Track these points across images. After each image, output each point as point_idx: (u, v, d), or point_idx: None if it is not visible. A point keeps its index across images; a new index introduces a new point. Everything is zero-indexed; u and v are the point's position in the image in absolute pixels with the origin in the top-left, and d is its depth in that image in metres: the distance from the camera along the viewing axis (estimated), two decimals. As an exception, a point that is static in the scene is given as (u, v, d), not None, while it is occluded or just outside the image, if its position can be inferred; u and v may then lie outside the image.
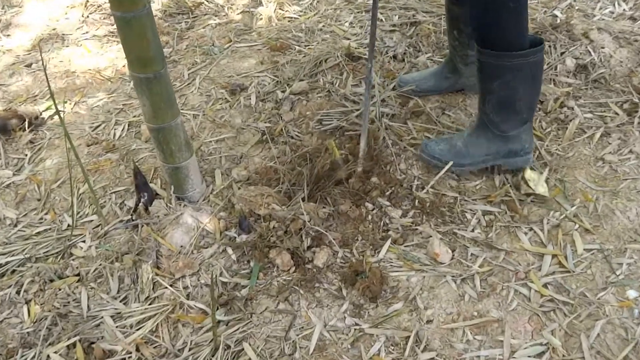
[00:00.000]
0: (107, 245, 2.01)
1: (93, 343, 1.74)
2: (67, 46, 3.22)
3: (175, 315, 1.79)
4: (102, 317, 1.80)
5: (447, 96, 2.51)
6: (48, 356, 1.71)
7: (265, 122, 2.51)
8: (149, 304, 1.82)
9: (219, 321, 1.76)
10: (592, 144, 2.25)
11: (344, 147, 2.27)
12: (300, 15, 3.28)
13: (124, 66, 3.02)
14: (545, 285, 1.79)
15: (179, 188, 2.10)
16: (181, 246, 1.96)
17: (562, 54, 2.64)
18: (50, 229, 2.13)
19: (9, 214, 2.21)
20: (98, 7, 3.54)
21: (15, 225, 2.17)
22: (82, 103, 2.79)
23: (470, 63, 2.36)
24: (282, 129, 2.45)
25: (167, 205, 2.07)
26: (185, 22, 3.36)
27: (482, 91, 1.97)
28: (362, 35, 3.02)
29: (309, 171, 2.13)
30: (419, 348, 1.66)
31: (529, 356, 1.63)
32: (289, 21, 3.26)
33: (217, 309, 1.79)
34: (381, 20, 3.09)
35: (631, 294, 1.75)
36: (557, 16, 2.91)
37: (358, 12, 3.23)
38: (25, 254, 2.02)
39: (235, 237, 1.98)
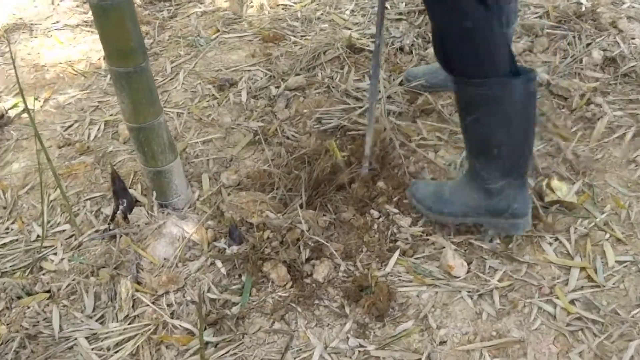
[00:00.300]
0: (82, 257, 2.01)
1: (66, 367, 1.74)
2: (36, 37, 3.23)
3: (158, 336, 1.78)
4: (75, 339, 1.80)
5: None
6: (15, 382, 1.71)
7: (257, 121, 2.52)
8: (129, 324, 1.82)
9: (207, 342, 1.76)
10: (623, 144, 2.26)
11: (346, 148, 2.28)
12: (295, 3, 3.30)
13: (99, 59, 3.03)
14: (572, 302, 1.80)
15: (162, 194, 2.11)
16: (164, 259, 1.97)
17: (588, 45, 2.66)
18: (17, 240, 2.13)
19: (-30, 223, 2.21)
20: (70, -7, 3.56)
21: (-22, 236, 2.17)
22: (52, 100, 2.79)
23: None
24: (276, 129, 2.46)
25: (148, 213, 2.08)
26: (167, 10, 3.38)
27: (461, 127, 1.89)
28: (365, 24, 3.04)
29: (307, 175, 2.14)
30: (431, 372, 1.67)
31: (554, 381, 1.63)
32: (283, 9, 3.27)
33: (205, 329, 1.78)
34: (387, 7, 3.11)
35: (668, 311, 1.76)
36: (581, 4, 2.93)
37: (361, -1, 3.26)
38: (-11, 268, 2.03)
39: (225, 249, 1.99)
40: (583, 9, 2.87)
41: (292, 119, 2.52)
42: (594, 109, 2.39)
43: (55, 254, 2.05)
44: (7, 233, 2.17)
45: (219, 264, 1.95)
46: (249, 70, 2.83)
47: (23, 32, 3.27)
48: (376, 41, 1.98)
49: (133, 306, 1.87)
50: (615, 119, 2.35)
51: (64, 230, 2.13)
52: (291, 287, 1.88)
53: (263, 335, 1.78)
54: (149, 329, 1.80)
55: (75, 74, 2.95)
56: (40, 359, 1.75)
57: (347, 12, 3.16)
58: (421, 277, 1.89)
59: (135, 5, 3.39)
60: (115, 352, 1.76)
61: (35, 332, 1.82)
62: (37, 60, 3.05)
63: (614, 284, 1.83)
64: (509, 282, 1.86)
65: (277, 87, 2.68)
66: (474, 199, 1.90)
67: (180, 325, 1.81)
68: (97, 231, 2.10)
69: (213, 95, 2.71)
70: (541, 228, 2.00)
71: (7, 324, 1.85)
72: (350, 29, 3.01)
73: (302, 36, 3.03)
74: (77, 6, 3.47)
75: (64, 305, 1.89)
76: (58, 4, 3.49)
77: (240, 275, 1.93)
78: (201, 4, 3.40)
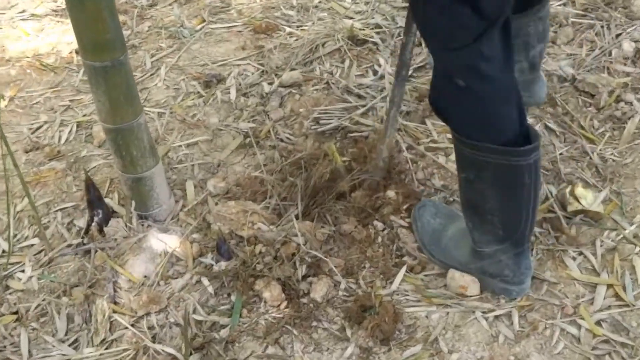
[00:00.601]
0: (52, 275, 2.04)
1: (35, 398, 1.76)
2: (0, 28, 3.25)
3: (138, 362, 1.81)
4: (46, 365, 1.82)
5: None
6: (-21, 414, 1.73)
7: (248, 122, 2.55)
8: (105, 349, 1.84)
9: (193, 369, 1.78)
10: (656, 147, 2.29)
11: (347, 152, 2.30)
12: (291, -11, 3.32)
13: (71, 52, 3.05)
14: (598, 323, 1.81)
15: (142, 204, 2.13)
16: (145, 276, 1.99)
17: (617, 36, 2.69)
18: (-20, 255, 2.15)
19: None
20: (38, -21, 3.58)
21: (-64, 252, 2.18)
22: (18, 98, 2.81)
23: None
24: (269, 130, 2.49)
25: (126, 226, 2.10)
26: (147, -3, 3.40)
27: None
28: (368, 13, 3.06)
29: (304, 182, 2.16)
30: (442, 401, 1.69)
31: (579, 410, 1.65)
32: (277, -4, 3.30)
33: (191, 354, 1.80)
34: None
35: None
36: (610, -11, 2.95)
37: (363, -15, 3.28)
38: (-51, 287, 2.04)
39: (212, 265, 2.01)
40: (612, -5, 2.89)
41: (286, 119, 2.54)
42: (623, 107, 2.41)
43: (23, 271, 2.07)
44: (-32, 248, 2.19)
45: (205, 282, 1.97)
46: (238, 65, 2.86)
47: (-16, 23, 3.30)
48: (404, 38, 1.92)
49: (110, 329, 1.88)
50: (647, 118, 2.38)
51: (32, 245, 2.15)
52: (286, 307, 1.90)
53: (255, 361, 1.80)
54: (128, 355, 1.81)
55: (43, 69, 2.97)
56: (6, 389, 1.77)
57: (349, 0, 3.19)
58: (430, 296, 1.91)
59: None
60: (91, 381, 1.78)
61: (1, 357, 1.83)
62: (1, 54, 3.07)
63: (645, 302, 1.86)
64: (528, 301, 1.88)
65: (270, 84, 2.71)
66: (464, 256, 1.92)
67: (163, 350, 1.82)
68: (69, 246, 2.12)
69: (198, 92, 2.74)
70: (564, 241, 2.02)
71: (-30, 350, 1.87)
72: (352, 18, 3.04)
73: (297, 26, 3.05)
74: (46, -7, 3.49)
75: (34, 329, 1.91)
76: (24, -9, 3.51)
77: (229, 295, 1.95)
78: (185, -10, 3.42)
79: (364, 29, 2.93)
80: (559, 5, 2.89)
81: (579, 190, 2.10)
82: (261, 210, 2.11)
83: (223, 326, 1.87)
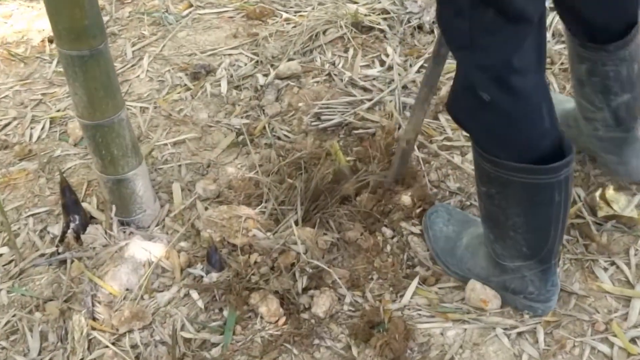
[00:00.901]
0: (24, 288, 2.04)
1: None
2: (-37, 13, 3.27)
3: (119, 384, 1.81)
4: (17, 389, 1.83)
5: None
6: None
7: (241, 118, 2.55)
8: (83, 370, 1.85)
9: (181, 393, 1.79)
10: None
11: (351, 151, 2.32)
12: (288, -30, 3.33)
13: (43, 41, 3.05)
14: (633, 341, 1.81)
15: (123, 209, 2.14)
16: (127, 289, 1.99)
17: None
18: (-57, 266, 2.15)
19: None
20: (5, -41, 3.60)
21: None
22: (-16, 92, 2.83)
23: (591, 119, 2.13)
24: (264, 127, 2.50)
25: (106, 233, 2.10)
26: (127, -21, 3.41)
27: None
28: (375, -4, 3.07)
29: (304, 184, 2.17)
30: None
31: None
32: (272, -22, 3.31)
33: (179, 375, 1.81)
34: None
35: None
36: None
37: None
38: None
39: (202, 277, 2.01)
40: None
41: (284, 114, 2.55)
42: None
43: (-10, 283, 2.08)
44: None
45: (194, 295, 1.98)
46: (230, 55, 2.87)
47: (-54, 8, 3.31)
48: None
49: (89, 348, 1.88)
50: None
51: (1, 255, 2.15)
52: (284, 323, 1.90)
53: (250, 384, 1.81)
54: (109, 376, 1.83)
55: (12, 60, 2.98)
56: (-27, 414, 1.78)
57: (352, -18, 3.20)
58: (446, 310, 1.91)
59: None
60: (67, 405, 1.79)
61: (-34, 380, 1.84)
62: (-35, 42, 3.09)
63: (684, 318, 1.86)
64: (554, 317, 1.88)
65: (266, 75, 2.72)
66: (484, 269, 1.92)
67: (147, 372, 1.83)
68: (42, 255, 2.12)
69: (185, 85, 2.74)
70: (594, 250, 2.03)
71: None
72: (356, 2, 3.05)
73: (296, 12, 3.06)
74: (14, -26, 3.50)
75: (3, 348, 1.91)
76: (-10, -28, 3.52)
77: (221, 310, 1.95)
78: (169, -29, 3.43)
79: (369, 15, 2.94)
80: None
81: (610, 193, 2.10)
82: (256, 215, 2.11)
83: (214, 344, 1.87)
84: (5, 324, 1.96)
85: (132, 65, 2.88)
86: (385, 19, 2.92)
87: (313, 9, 3.06)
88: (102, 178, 2.10)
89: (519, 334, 1.85)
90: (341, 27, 2.87)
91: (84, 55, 1.86)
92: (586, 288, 1.94)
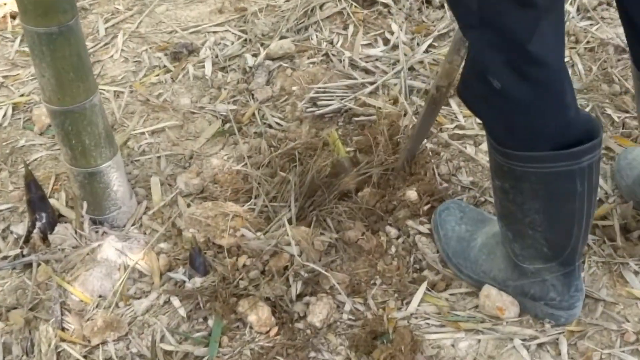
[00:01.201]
0: (-16, 295, 2.04)
1: None
2: None
3: (91, 403, 1.81)
4: (-23, 407, 1.82)
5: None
6: None
7: (228, 103, 2.55)
8: (51, 386, 1.84)
9: (161, 412, 1.79)
10: None
11: (352, 141, 2.31)
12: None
13: (4, 16, 3.04)
14: (666, 353, 1.83)
15: (96, 205, 2.13)
16: (100, 296, 1.99)
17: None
18: None
19: None
20: None
21: None
22: (-61, 74, 2.82)
23: None
24: (254, 114, 2.49)
25: (76, 233, 2.10)
26: (99, -53, 3.41)
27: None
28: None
29: (298, 178, 2.17)
30: None
31: None
32: (262, -54, 3.30)
33: (158, 392, 1.81)
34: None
35: None
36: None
37: None
38: None
39: (184, 282, 2.00)
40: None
41: (276, 99, 2.55)
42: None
43: (-54, 289, 2.07)
44: None
45: (176, 302, 1.97)
46: (214, 32, 2.86)
47: None
48: None
49: (57, 361, 1.89)
50: None
51: (-42, 257, 2.16)
52: (277, 334, 1.90)
53: (238, 402, 1.81)
54: (80, 393, 1.83)
55: (-30, 38, 2.98)
56: None
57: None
58: (457, 320, 1.91)
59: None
60: None
61: None
62: None
63: None
64: (579, 326, 1.88)
65: (255, 56, 2.72)
66: (500, 271, 1.92)
67: (122, 388, 1.83)
68: (5, 258, 2.11)
69: (165, 67, 2.74)
70: (622, 252, 2.03)
71: None
72: (356, -27, 3.05)
73: (289, -16, 3.06)
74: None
75: (-40, 361, 1.92)
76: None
77: (205, 319, 1.94)
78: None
79: (371, -13, 2.94)
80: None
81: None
82: (245, 213, 2.11)
83: (198, 358, 1.87)
84: (-36, 335, 1.96)
85: (105, 44, 2.87)
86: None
87: (308, -20, 3.06)
88: (72, 171, 2.10)
89: (540, 345, 1.85)
90: (340, 1, 2.86)
91: (52, 32, 1.85)
92: (614, 294, 1.94)
